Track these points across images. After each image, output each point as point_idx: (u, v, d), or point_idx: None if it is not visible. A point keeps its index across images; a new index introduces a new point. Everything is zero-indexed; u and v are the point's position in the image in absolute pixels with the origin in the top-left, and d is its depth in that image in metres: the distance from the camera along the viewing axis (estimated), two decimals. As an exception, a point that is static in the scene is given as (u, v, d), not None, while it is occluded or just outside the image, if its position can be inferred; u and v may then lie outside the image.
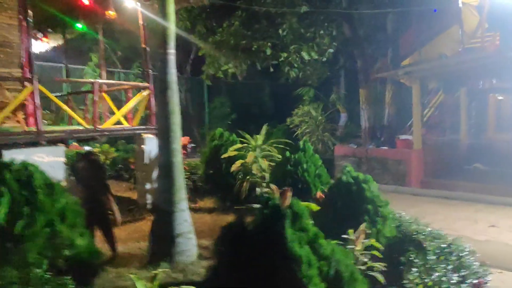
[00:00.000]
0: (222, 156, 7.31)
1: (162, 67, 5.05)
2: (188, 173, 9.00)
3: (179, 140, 5.09)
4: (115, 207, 5.17)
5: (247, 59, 8.36)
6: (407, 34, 11.39)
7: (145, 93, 8.08)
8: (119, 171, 10.67)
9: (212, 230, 6.22)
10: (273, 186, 3.16)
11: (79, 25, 9.18)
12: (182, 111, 15.71)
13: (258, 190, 6.95)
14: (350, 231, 3.56)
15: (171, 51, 5.10)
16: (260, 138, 7.38)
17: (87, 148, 14.02)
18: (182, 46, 18.29)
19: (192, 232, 5.11)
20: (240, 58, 8.38)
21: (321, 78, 16.83)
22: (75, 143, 13.83)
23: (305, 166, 6.17)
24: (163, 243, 4.92)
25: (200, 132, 19.48)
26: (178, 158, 5.03)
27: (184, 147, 8.41)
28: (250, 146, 7.30)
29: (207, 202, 8.19)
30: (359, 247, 3.49)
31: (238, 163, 7.09)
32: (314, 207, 3.13)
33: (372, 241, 3.64)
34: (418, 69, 9.11)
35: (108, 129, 7.46)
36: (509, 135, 12.38)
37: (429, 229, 4.51)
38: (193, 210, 7.75)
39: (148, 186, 7.58)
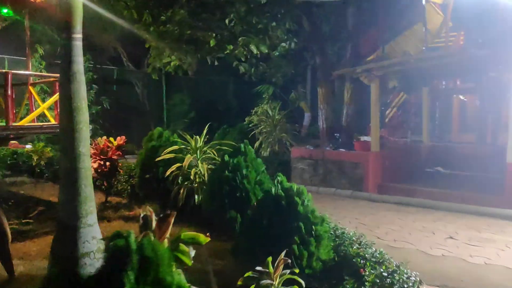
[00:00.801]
0: (157, 159, 6.52)
1: (65, 54, 4.22)
2: (126, 177, 8.19)
3: (86, 142, 4.28)
4: (4, 220, 4.32)
5: (191, 51, 7.60)
6: (370, 31, 10.86)
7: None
8: (55, 173, 9.72)
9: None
10: (149, 208, 2.39)
11: (4, 10, 8.21)
12: (139, 108, 14.72)
13: (196, 197, 6.23)
14: (269, 259, 2.85)
15: (77, 35, 4.28)
16: (200, 139, 6.64)
17: (28, 146, 12.96)
18: (140, 39, 17.40)
19: (103, 250, 4.32)
20: (184, 50, 7.62)
21: (286, 76, 16.22)
22: (14, 142, 12.74)
23: (244, 171, 5.45)
24: (65, 264, 4.11)
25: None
26: (86, 164, 4.23)
27: (120, 147, 7.55)
28: (189, 148, 6.55)
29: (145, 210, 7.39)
30: (277, 281, 2.78)
31: (174, 167, 6.33)
32: (203, 239, 2.39)
33: (293, 275, 2.94)
34: (377, 67, 8.55)
35: (24, 127, 6.58)
36: (472, 137, 12.05)
37: (373, 250, 3.87)
38: (125, 219, 6.99)
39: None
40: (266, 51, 7.40)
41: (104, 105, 16.67)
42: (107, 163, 7.22)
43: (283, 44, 7.71)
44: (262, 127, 11.25)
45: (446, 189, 8.13)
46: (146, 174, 7.02)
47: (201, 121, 17.60)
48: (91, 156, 7.49)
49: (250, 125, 12.19)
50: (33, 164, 10.03)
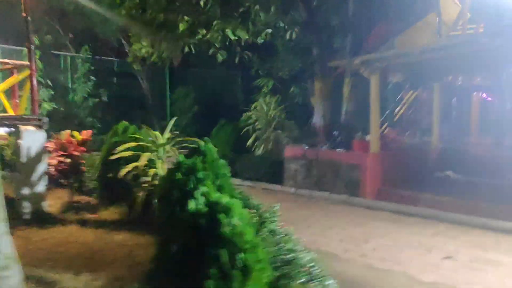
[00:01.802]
0: (112, 157, 5.77)
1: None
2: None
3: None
4: None
5: (164, 37, 6.84)
6: (379, 23, 9.87)
7: (23, 74, 6.46)
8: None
9: (78, 255, 4.73)
10: None
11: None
12: (141, 101, 14.05)
13: (155, 202, 5.47)
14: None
15: None
16: (164, 136, 5.85)
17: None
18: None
19: (14, 266, 3.57)
20: (156, 36, 6.86)
21: (293, 70, 15.31)
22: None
23: (200, 175, 4.63)
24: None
25: (161, 125, 17.91)
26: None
27: (84, 143, 6.83)
28: (151, 145, 5.77)
29: (113, 213, 6.68)
30: None
31: (130, 166, 5.57)
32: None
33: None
34: (378, 58, 7.60)
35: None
36: (490, 140, 10.94)
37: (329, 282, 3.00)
38: (83, 223, 6.27)
39: (26, 191, 6.06)
40: (246, 37, 6.57)
41: (103, 98, 16.10)
42: (67, 160, 6.53)
43: (268, 30, 6.86)
44: (256, 123, 10.41)
45: (453, 198, 7.14)
46: (107, 173, 6.29)
47: (205, 116, 16.96)
48: (50, 152, 6.85)
49: (249, 121, 11.36)
50: (7, 158, 9.43)
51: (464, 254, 5.16)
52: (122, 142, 6.31)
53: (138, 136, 5.92)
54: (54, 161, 6.46)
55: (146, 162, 5.66)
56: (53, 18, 16.15)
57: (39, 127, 6.18)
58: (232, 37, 6.29)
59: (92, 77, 15.79)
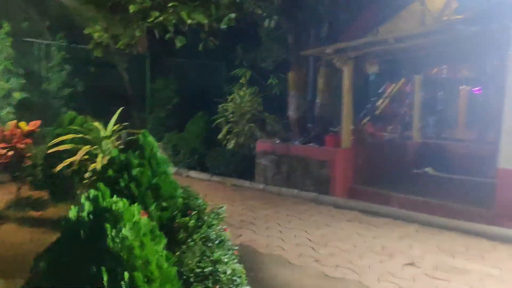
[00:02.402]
0: (49, 151, 5.30)
1: None
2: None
3: None
4: None
5: (114, 20, 6.33)
6: (364, 13, 9.38)
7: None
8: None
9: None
10: None
11: None
12: (121, 92, 13.39)
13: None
14: None
15: None
16: (108, 128, 5.38)
17: None
18: (127, 19, 16.16)
19: None
20: (109, 20, 6.36)
21: (277, 61, 14.78)
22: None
23: (134, 171, 4.16)
24: None
25: (140, 117, 17.39)
26: None
27: (30, 134, 6.34)
28: (91, 138, 5.29)
29: (61, 210, 6.21)
30: None
31: (67, 161, 5.10)
32: None
33: None
34: (350, 47, 7.11)
35: None
36: (473, 135, 10.53)
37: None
38: (22, 221, 5.80)
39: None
40: (205, 21, 6.07)
41: (78, 88, 15.51)
42: (9, 153, 6.03)
43: (231, 14, 6.37)
44: (230, 116, 9.92)
45: (427, 197, 6.71)
46: (50, 167, 5.81)
47: (185, 108, 16.40)
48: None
49: (226, 114, 10.84)
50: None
51: (428, 261, 4.73)
52: (66, 134, 5.85)
53: (75, 128, 5.42)
54: (-6, 154, 5.97)
55: (86, 157, 5.20)
56: (29, 4, 15.50)
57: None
58: (188, 21, 5.79)
59: (67, 66, 15.20)
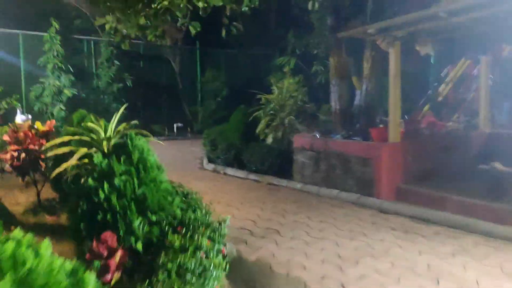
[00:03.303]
0: (48, 154, 4.90)
1: None
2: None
3: None
4: None
5: (119, 7, 5.80)
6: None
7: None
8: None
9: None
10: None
11: None
12: (170, 85, 13.21)
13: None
14: None
15: None
16: (110, 128, 4.86)
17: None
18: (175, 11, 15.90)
19: None
20: (115, 8, 5.84)
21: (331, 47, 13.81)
22: None
23: (116, 180, 3.58)
24: None
25: (191, 110, 17.16)
26: None
27: (45, 135, 6.03)
28: (90, 140, 4.80)
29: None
30: None
31: (63, 166, 4.65)
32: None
33: None
34: (396, 24, 6.06)
35: None
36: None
37: None
38: (32, 227, 5.48)
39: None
40: (220, 3, 5.36)
41: (127, 83, 15.51)
42: (22, 155, 5.74)
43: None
44: (268, 108, 9.18)
45: (491, 200, 5.57)
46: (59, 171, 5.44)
47: (234, 99, 15.89)
48: (7, 145, 6.12)
49: (266, 105, 10.11)
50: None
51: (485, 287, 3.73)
52: (74, 134, 5.45)
53: (72, 129, 4.96)
54: (7, 156, 5.71)
55: (85, 161, 4.73)
56: (79, 1, 15.70)
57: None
58: (201, 4, 5.15)
59: (116, 62, 15.24)
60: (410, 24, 5.97)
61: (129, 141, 3.81)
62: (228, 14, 6.23)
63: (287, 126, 8.71)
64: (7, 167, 5.93)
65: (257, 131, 8.93)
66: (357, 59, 8.67)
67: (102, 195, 3.53)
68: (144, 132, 5.05)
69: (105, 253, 3.05)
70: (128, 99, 15.46)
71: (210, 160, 9.81)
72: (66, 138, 4.76)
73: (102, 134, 4.71)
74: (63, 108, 13.85)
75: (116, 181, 3.59)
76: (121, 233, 3.45)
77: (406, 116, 8.00)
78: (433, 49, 6.77)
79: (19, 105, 12.66)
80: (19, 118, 12.05)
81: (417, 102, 10.19)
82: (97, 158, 3.79)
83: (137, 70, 16.51)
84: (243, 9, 5.94)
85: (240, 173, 8.64)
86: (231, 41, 19.66)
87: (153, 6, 5.17)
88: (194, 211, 4.07)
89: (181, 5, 5.15)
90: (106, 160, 3.72)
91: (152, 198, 3.68)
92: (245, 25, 20.24)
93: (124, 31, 7.38)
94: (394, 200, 6.25)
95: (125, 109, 15.04)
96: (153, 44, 16.70)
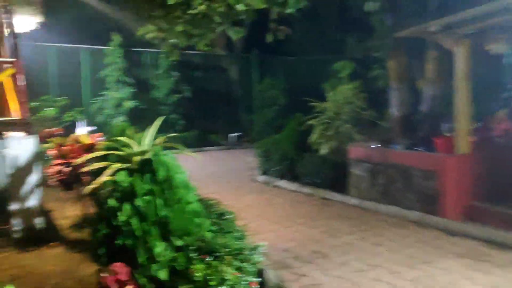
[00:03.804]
0: (80, 170, 4.74)
1: None
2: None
3: None
4: None
5: (161, 17, 5.57)
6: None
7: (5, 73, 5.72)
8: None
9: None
10: None
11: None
12: (227, 95, 13.14)
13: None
14: None
15: None
16: (143, 142, 4.61)
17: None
18: (234, 20, 15.84)
19: None
20: (156, 16, 5.62)
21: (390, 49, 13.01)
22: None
23: (138, 202, 3.27)
24: None
25: (248, 118, 16.94)
26: None
27: (90, 148, 5.95)
28: (123, 154, 4.57)
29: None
30: None
31: (95, 183, 4.46)
32: None
33: None
34: (465, 20, 5.33)
35: None
36: None
37: None
38: (72, 245, 5.39)
39: (14, 206, 5.36)
40: (262, 6, 4.94)
41: (186, 93, 15.60)
42: (67, 169, 5.69)
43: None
44: (324, 116, 8.64)
45: None
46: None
47: (291, 108, 15.46)
48: (53, 159, 6.12)
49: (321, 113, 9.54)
50: None
51: None
52: (110, 149, 5.30)
53: (107, 143, 4.77)
54: (54, 170, 5.69)
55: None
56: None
57: (28, 132, 5.44)
58: (240, 8, 4.79)
59: (174, 72, 15.39)
60: (480, 18, 5.22)
61: (153, 158, 3.52)
62: (275, 18, 5.83)
63: (342, 136, 8.11)
64: (51, 180, 5.91)
65: (310, 140, 8.41)
66: (421, 61, 7.92)
67: (122, 218, 3.25)
68: (177, 145, 4.77)
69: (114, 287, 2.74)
70: (185, 109, 15.58)
71: (263, 172, 9.42)
72: (100, 153, 4.59)
73: (135, 149, 4.46)
74: (124, 120, 14.14)
75: (138, 202, 3.30)
76: (141, 260, 3.13)
77: (477, 123, 7.13)
78: (507, 47, 5.91)
79: (82, 117, 13.08)
80: (82, 130, 12.44)
81: (488, 107, 9.14)
82: (120, 176, 3.53)
83: (194, 80, 16.59)
84: (288, 11, 5.51)
85: (293, 186, 8.16)
86: (289, 48, 19.28)
87: (190, 11, 4.90)
88: (225, 235, 3.68)
89: (220, 9, 4.83)
90: (129, 178, 3.45)
91: (177, 221, 3.35)
92: (303, 31, 19.82)
93: (172, 40, 7.26)
94: (462, 220, 5.48)
95: (182, 119, 15.05)
96: (210, 54, 16.74)
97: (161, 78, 15.38)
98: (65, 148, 5.83)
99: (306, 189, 7.80)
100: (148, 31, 6.02)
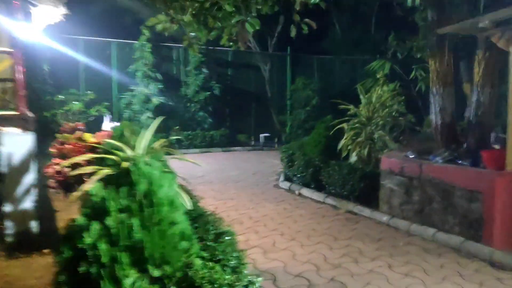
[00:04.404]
0: (70, 174, 4.25)
1: None
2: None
3: None
4: None
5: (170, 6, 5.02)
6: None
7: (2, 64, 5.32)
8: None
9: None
10: None
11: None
12: (259, 93, 12.60)
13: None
14: None
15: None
16: (138, 145, 4.05)
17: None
18: (267, 16, 15.21)
19: None
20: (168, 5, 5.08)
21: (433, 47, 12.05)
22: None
23: (108, 221, 2.70)
24: None
25: (280, 119, 16.28)
26: None
27: (93, 148, 5.50)
28: (118, 159, 4.03)
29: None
30: None
31: (81, 189, 3.95)
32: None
33: None
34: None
35: None
36: None
37: None
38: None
39: (8, 207, 4.97)
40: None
41: (214, 91, 15.11)
42: (65, 169, 5.25)
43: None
44: (355, 121, 7.89)
45: None
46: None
47: (325, 109, 14.67)
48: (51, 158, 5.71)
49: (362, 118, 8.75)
50: None
51: None
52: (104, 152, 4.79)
53: (101, 145, 4.24)
54: (50, 170, 5.27)
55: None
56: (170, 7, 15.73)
57: (25, 128, 5.03)
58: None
59: (204, 70, 14.93)
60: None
61: (131, 168, 2.95)
62: (299, 9, 5.17)
63: (375, 143, 7.34)
64: (50, 181, 5.50)
65: (339, 147, 7.68)
66: (468, 63, 7.03)
67: (87, 240, 2.69)
68: (172, 150, 4.20)
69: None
70: (214, 107, 15.08)
71: (287, 178, 8.76)
72: (86, 157, 4.08)
73: (128, 153, 3.92)
74: (151, 116, 13.82)
75: (108, 221, 2.73)
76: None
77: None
78: None
79: (108, 112, 12.82)
80: (107, 125, 12.17)
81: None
82: (95, 187, 2.98)
83: (225, 77, 16.08)
84: (313, 1, 4.82)
85: (317, 196, 7.46)
86: (325, 46, 18.47)
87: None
88: (218, 262, 3.07)
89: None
90: (103, 191, 2.90)
91: (155, 246, 2.76)
92: (341, 29, 18.82)
93: (192, 34, 6.74)
94: (510, 252, 4.63)
95: (210, 117, 14.45)
96: (242, 51, 16.16)
97: (190, 74, 14.95)
98: (67, 146, 5.40)
99: (331, 200, 7.08)
100: (158, 21, 5.48)
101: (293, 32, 5.50)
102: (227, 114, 15.95)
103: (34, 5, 10.32)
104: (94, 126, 11.87)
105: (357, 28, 18.27)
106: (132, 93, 13.87)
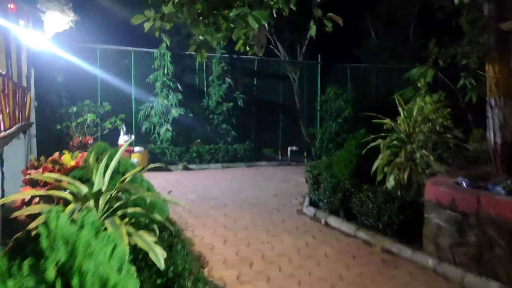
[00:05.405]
0: (14, 215, 3.29)
1: None
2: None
3: None
4: None
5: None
6: None
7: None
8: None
9: None
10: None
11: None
12: (287, 105, 11.51)
13: None
14: None
15: None
16: (96, 181, 3.06)
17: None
18: (297, 24, 14.19)
19: None
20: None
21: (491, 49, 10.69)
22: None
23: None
24: None
25: (309, 132, 15.12)
26: None
27: (70, 171, 4.59)
28: (77, 195, 3.06)
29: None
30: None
31: (30, 226, 3.02)
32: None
33: None
34: None
35: None
36: None
37: None
38: None
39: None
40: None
41: (238, 102, 14.16)
42: (34, 200, 4.35)
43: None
44: (393, 138, 6.69)
45: None
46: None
47: (359, 122, 13.42)
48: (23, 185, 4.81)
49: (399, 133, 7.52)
50: None
51: None
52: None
53: (52, 177, 3.27)
54: (19, 201, 4.38)
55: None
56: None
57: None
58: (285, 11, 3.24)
59: (227, 79, 14.01)
60: None
61: (41, 229, 1.93)
62: (319, 1, 4.13)
63: (417, 164, 6.12)
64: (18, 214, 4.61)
65: (373, 168, 6.49)
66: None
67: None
68: (149, 193, 3.17)
69: None
70: (238, 119, 14.10)
71: (312, 202, 7.63)
72: (28, 193, 3.11)
73: (83, 190, 2.95)
74: (170, 128, 12.99)
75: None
76: None
77: None
78: None
79: (123, 124, 12.06)
80: (122, 139, 11.41)
81: None
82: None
83: (250, 88, 15.12)
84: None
85: (346, 227, 6.28)
86: (359, 54, 17.24)
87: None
88: None
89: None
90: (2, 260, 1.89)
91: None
92: (377, 36, 17.50)
93: (200, 37, 5.81)
94: None
95: (234, 130, 13.28)
96: (269, 60, 15.19)
97: (213, 84, 14.06)
98: (39, 171, 4.50)
99: (363, 234, 5.89)
100: (144, 18, 4.55)
101: (313, 31, 4.46)
102: (252, 127, 14.94)
103: (43, 12, 9.63)
104: (111, 139, 11.14)
105: (394, 34, 16.96)
106: (150, 104, 13.10)
